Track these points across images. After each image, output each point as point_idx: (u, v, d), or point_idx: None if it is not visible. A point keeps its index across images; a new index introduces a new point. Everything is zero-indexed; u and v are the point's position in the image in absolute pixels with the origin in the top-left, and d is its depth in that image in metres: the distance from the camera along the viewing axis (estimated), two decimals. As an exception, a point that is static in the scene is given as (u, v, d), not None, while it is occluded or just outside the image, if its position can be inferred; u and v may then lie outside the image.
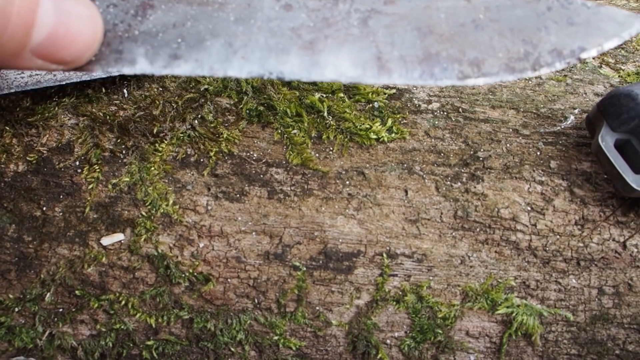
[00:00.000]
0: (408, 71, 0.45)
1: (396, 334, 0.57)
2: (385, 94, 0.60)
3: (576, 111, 0.60)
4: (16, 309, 0.55)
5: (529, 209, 0.56)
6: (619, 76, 0.63)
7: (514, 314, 0.56)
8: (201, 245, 0.55)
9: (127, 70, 0.44)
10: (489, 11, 0.47)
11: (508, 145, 0.58)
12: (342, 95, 0.60)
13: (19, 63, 0.39)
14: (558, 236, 0.56)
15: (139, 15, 0.46)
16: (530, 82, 0.63)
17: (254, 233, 0.55)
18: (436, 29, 0.46)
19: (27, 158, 0.55)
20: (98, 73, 0.48)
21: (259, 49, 0.45)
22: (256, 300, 0.56)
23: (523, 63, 0.45)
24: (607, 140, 0.54)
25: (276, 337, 0.57)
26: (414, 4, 0.47)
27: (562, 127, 0.59)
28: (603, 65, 0.65)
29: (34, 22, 0.36)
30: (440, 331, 0.56)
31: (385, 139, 0.57)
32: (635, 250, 0.56)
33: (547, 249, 0.56)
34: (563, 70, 0.64)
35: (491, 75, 0.45)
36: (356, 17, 0.46)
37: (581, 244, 0.56)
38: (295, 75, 0.44)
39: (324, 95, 0.60)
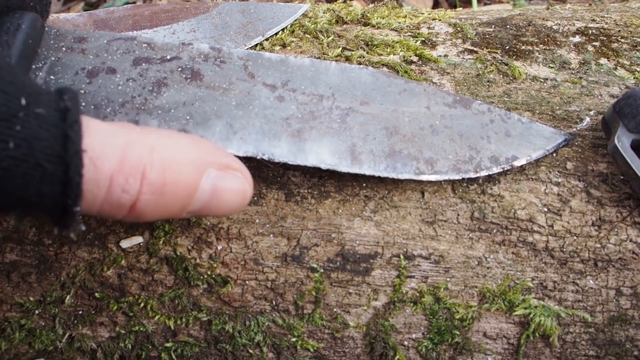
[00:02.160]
0: (376, 164, 0.53)
1: (414, 336, 0.57)
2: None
3: (592, 113, 0.60)
4: (36, 312, 0.56)
5: (546, 210, 0.56)
6: (634, 78, 0.64)
7: (531, 315, 0.56)
8: (219, 247, 0.56)
9: None
10: (444, 119, 0.55)
11: (524, 146, 0.58)
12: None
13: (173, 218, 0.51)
14: (575, 237, 0.56)
15: (154, 91, 0.52)
16: (545, 84, 0.63)
17: (271, 235, 0.56)
18: (400, 130, 0.54)
19: (48, 162, 0.56)
20: None
21: (255, 132, 0.52)
22: (274, 302, 0.56)
23: (467, 165, 0.54)
24: (623, 141, 0.54)
25: (294, 339, 0.57)
26: (384, 107, 0.55)
27: (578, 128, 0.59)
28: (618, 67, 0.65)
29: (191, 202, 0.43)
30: (457, 332, 0.56)
31: (401, 141, 0.58)
32: (653, 251, 0.56)
33: (564, 250, 0.56)
34: (578, 72, 0.64)
35: (441, 173, 0.54)
36: (337, 114, 0.54)
37: (598, 245, 0.56)
38: (283, 158, 0.52)
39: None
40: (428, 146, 0.54)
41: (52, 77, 0.51)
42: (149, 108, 0.51)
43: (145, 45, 0.54)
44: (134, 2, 1.73)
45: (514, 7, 1.42)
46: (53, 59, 0.52)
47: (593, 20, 0.72)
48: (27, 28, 0.48)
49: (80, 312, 0.56)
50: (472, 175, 0.54)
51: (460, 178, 0.54)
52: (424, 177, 0.53)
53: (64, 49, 0.53)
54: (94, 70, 0.52)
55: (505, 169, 0.55)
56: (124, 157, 0.38)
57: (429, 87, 0.57)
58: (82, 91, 0.51)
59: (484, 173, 0.54)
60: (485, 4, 1.66)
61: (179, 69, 0.53)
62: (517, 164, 0.55)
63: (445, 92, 0.57)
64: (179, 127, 0.51)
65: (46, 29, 0.53)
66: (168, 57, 0.54)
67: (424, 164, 0.53)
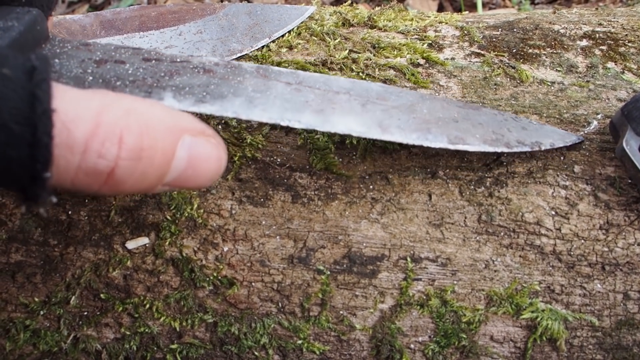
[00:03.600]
0: (406, 134, 0.51)
1: (420, 339, 0.57)
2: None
3: (599, 116, 0.60)
4: (41, 312, 0.56)
5: (554, 213, 0.56)
6: (642, 81, 0.63)
7: (538, 319, 0.56)
8: (225, 249, 0.55)
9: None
10: (461, 113, 0.55)
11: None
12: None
13: (149, 192, 0.50)
14: (583, 240, 0.56)
15: (167, 76, 0.50)
16: (552, 87, 0.63)
17: (278, 237, 0.56)
18: (422, 118, 0.53)
19: (54, 162, 0.56)
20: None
21: (277, 107, 0.50)
22: (280, 304, 0.56)
23: (497, 143, 0.54)
24: (631, 144, 0.54)
25: (300, 341, 0.57)
26: (402, 101, 0.54)
27: (586, 132, 0.59)
28: (625, 71, 0.65)
29: (168, 171, 0.41)
30: (464, 336, 0.56)
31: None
32: (661, 255, 0.56)
33: (572, 253, 0.56)
34: (585, 75, 0.64)
35: (474, 144, 0.53)
36: (356, 102, 0.53)
37: (606, 249, 0.56)
38: (310, 126, 0.50)
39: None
40: (453, 128, 0.53)
41: (56, 60, 0.49)
42: (162, 85, 0.49)
43: (153, 52, 0.53)
44: (139, 4, 1.74)
45: (519, 11, 1.42)
46: (58, 51, 0.51)
47: (600, 24, 0.72)
48: (27, 22, 0.47)
49: (86, 313, 0.56)
50: (506, 149, 0.54)
51: (494, 151, 0.54)
52: (460, 147, 0.52)
53: (69, 46, 0.52)
54: (102, 59, 0.50)
55: (535, 149, 0.54)
56: (99, 121, 0.36)
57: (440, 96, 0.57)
58: (90, 73, 0.48)
59: (517, 149, 0.54)
60: (490, 8, 1.66)
61: (191, 66, 0.52)
62: (542, 147, 0.55)
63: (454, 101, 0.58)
64: (195, 99, 0.48)
65: (50, 35, 0.52)
66: (178, 60, 0.53)
67: (454, 138, 0.52)
